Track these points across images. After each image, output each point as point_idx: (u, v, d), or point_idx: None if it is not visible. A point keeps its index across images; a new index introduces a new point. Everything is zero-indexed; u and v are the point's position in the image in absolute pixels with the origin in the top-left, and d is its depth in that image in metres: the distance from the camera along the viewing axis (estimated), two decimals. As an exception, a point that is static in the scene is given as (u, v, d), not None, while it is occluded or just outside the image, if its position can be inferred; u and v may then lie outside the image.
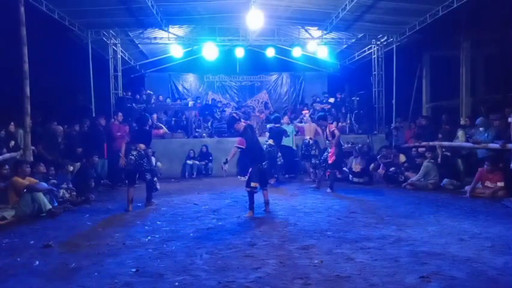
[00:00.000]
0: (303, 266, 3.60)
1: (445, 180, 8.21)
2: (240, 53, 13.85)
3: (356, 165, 9.62)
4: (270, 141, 9.19)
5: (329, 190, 8.01)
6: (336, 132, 8.05)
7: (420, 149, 9.28)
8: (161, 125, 11.05)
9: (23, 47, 7.30)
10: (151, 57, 15.58)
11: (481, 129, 8.00)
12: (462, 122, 9.46)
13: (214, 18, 11.69)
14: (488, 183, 7.21)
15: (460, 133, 8.66)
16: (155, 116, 11.53)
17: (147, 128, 7.06)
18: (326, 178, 8.56)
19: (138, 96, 13.78)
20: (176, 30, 13.52)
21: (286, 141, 10.80)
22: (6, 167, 6.95)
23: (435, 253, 3.90)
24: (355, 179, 9.47)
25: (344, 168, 10.00)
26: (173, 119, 13.63)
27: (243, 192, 8.24)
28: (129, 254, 4.07)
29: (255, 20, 10.60)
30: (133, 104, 12.67)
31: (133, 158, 6.61)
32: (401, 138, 11.18)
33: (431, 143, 9.18)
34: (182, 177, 11.60)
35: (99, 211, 6.58)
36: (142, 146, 6.73)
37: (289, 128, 10.94)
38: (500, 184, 7.03)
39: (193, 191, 8.63)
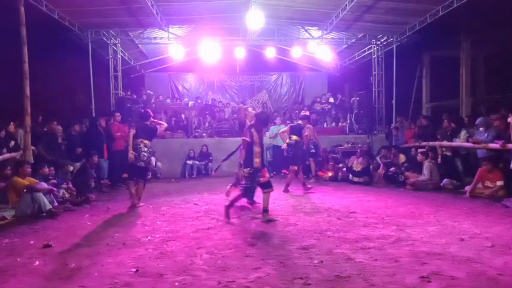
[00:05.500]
0: (303, 266, 3.60)
1: (445, 180, 8.21)
2: (240, 53, 13.84)
3: (357, 164, 9.62)
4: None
5: None
6: None
7: (420, 150, 9.27)
8: (161, 122, 10.91)
9: (23, 47, 7.30)
10: (151, 57, 15.58)
11: (481, 129, 7.99)
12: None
13: (214, 18, 11.69)
14: (488, 183, 7.20)
15: (463, 133, 8.64)
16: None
17: (149, 124, 7.06)
18: None
19: (135, 96, 13.76)
20: (176, 30, 13.52)
21: (277, 141, 11.09)
22: (8, 167, 6.97)
23: (435, 253, 3.90)
24: (355, 179, 9.48)
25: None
26: (173, 119, 13.64)
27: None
28: (129, 254, 4.07)
29: (255, 20, 10.62)
30: (132, 104, 12.66)
31: (146, 154, 6.75)
32: (401, 138, 11.19)
33: (431, 143, 9.18)
34: (182, 177, 11.60)
35: (99, 211, 6.58)
36: (147, 142, 6.82)
37: (280, 128, 11.10)
38: (500, 183, 7.03)
39: (193, 191, 8.63)
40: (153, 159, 7.38)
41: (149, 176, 7.18)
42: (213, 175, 10.58)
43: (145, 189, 7.07)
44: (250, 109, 6.78)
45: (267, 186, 5.64)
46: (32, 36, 7.65)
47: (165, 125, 8.49)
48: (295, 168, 8.07)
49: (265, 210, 5.58)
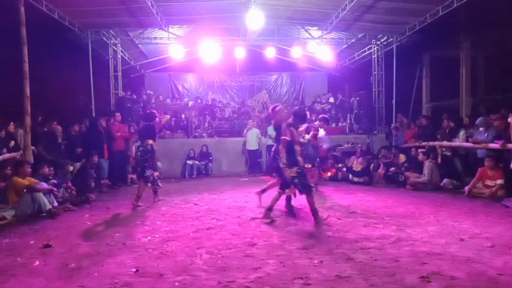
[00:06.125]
0: (303, 266, 3.60)
1: (445, 180, 8.21)
2: (240, 53, 13.84)
3: (357, 164, 9.63)
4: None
5: None
6: None
7: (420, 149, 9.27)
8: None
9: (23, 47, 7.30)
10: (151, 57, 15.57)
11: (481, 129, 8.00)
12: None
13: (214, 18, 11.69)
14: (488, 182, 7.19)
15: (461, 133, 8.66)
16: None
17: (153, 124, 7.20)
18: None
19: (135, 96, 13.78)
20: (176, 30, 13.52)
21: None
22: (8, 167, 6.97)
23: (435, 253, 3.90)
24: (355, 179, 9.48)
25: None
26: (173, 119, 13.64)
27: (243, 192, 8.30)
28: (129, 254, 4.07)
29: (255, 20, 10.62)
30: (132, 104, 12.67)
31: (139, 153, 6.92)
32: (401, 138, 11.19)
33: (431, 143, 9.18)
34: (182, 177, 11.60)
35: (99, 211, 6.59)
36: (150, 141, 6.96)
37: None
38: (500, 181, 7.02)
39: (193, 191, 8.63)
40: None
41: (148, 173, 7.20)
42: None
43: (145, 189, 7.07)
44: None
45: (287, 187, 5.50)
46: (32, 36, 7.65)
47: (167, 116, 8.56)
48: (310, 166, 8.02)
49: (270, 209, 5.54)
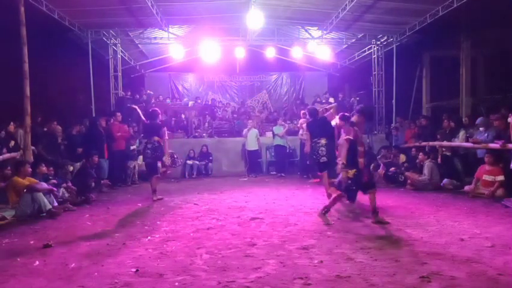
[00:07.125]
0: (303, 266, 3.60)
1: (445, 180, 8.21)
2: (240, 53, 13.84)
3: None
4: None
5: None
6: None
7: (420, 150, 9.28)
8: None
9: (23, 47, 7.31)
10: (151, 57, 15.57)
11: (481, 129, 8.00)
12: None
13: (214, 18, 11.69)
14: (486, 177, 7.18)
15: (461, 133, 8.66)
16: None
17: (158, 122, 7.51)
18: None
19: (138, 96, 13.78)
20: (176, 30, 13.52)
21: (278, 141, 11.59)
22: (8, 167, 6.97)
23: (435, 253, 3.90)
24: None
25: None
26: (173, 119, 13.64)
27: (243, 192, 8.30)
28: (129, 254, 4.07)
29: (255, 20, 10.63)
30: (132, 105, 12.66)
31: (148, 151, 7.26)
32: (401, 138, 11.19)
33: (431, 143, 9.18)
34: (182, 177, 11.60)
35: (99, 211, 6.59)
36: (156, 138, 7.27)
37: (279, 129, 11.71)
38: (500, 178, 7.00)
39: (193, 191, 8.63)
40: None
41: (164, 169, 7.68)
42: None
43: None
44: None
45: (370, 187, 5.33)
46: (32, 36, 7.65)
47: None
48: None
49: (375, 211, 5.31)
